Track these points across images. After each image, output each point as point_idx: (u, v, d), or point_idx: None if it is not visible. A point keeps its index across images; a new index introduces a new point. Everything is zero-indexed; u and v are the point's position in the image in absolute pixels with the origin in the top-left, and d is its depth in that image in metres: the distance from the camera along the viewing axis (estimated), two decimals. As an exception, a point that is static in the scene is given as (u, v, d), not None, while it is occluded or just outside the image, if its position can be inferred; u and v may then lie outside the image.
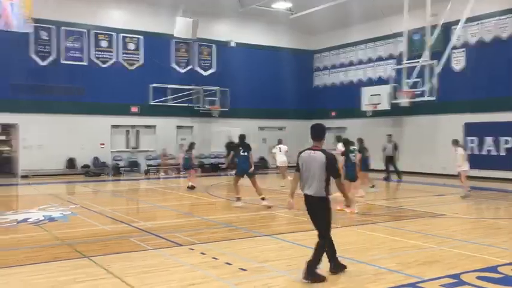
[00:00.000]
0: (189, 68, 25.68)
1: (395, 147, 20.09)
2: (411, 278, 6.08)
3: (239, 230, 9.40)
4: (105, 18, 23.39)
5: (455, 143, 14.52)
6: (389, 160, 20.08)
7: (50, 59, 22.01)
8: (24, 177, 21.00)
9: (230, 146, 13.38)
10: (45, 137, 21.49)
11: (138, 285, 5.77)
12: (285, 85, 27.56)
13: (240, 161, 12.66)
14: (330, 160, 6.07)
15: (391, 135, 20.61)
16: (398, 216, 11.13)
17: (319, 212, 6.18)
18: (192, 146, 17.35)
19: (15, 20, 18.50)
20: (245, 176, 12.58)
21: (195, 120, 25.55)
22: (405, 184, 18.59)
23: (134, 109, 23.92)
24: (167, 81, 24.56)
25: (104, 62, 23.35)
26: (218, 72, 26.23)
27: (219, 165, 25.05)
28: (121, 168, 23.32)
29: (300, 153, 6.29)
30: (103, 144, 23.19)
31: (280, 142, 18.44)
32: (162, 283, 5.93)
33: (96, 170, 22.55)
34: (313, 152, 6.13)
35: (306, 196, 6.19)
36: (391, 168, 20.01)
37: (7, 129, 22.64)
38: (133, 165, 23.57)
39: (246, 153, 12.51)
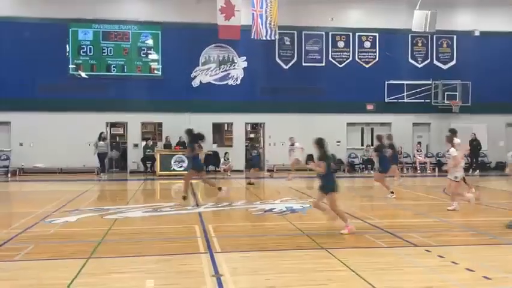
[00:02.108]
0: (426, 62, 24.64)
1: None
2: None
3: (483, 235, 8.66)
4: (343, 19, 24.10)
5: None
6: None
7: (292, 62, 23.77)
8: (270, 171, 23.13)
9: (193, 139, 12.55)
10: (286, 135, 23.26)
11: (374, 281, 5.84)
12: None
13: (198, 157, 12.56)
14: None
15: None
16: None
17: None
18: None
19: (264, 29, 20.56)
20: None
21: (433, 117, 24.38)
22: None
23: (370, 107, 24.08)
24: (403, 77, 24.04)
25: (340, 62, 24.13)
26: (459, 64, 24.51)
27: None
28: (356, 166, 23.77)
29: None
30: (339, 141, 23.98)
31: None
32: (397, 281, 5.89)
33: (332, 167, 23.40)
34: None
35: None
36: None
37: (256, 127, 25.31)
38: (368, 163, 23.74)
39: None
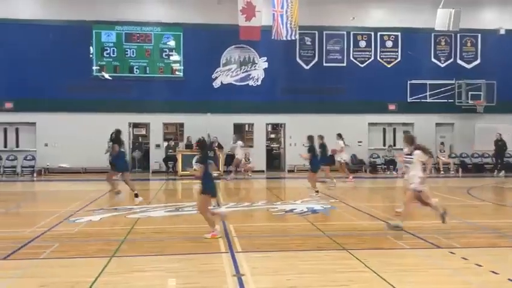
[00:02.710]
0: (449, 61, 24.31)
1: None
2: None
3: (507, 237, 8.52)
4: (364, 19, 23.93)
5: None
6: None
7: (313, 62, 23.71)
8: (290, 171, 23.12)
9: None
10: (307, 135, 23.18)
11: (396, 283, 5.80)
12: None
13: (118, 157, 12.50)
14: None
15: None
16: None
17: None
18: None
19: (284, 30, 20.53)
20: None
21: (456, 117, 24.02)
22: None
23: (392, 107, 23.88)
24: (426, 77, 23.76)
25: (362, 62, 23.97)
26: (483, 63, 24.10)
27: (484, 166, 23.12)
28: (378, 166, 23.58)
29: None
30: (360, 141, 23.83)
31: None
32: (420, 284, 5.84)
33: (354, 167, 23.32)
34: None
35: None
36: None
37: (276, 128, 25.31)
38: (390, 163, 23.52)
39: (122, 150, 12.78)
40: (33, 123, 22.41)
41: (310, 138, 14.62)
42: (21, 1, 22.46)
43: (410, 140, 9.45)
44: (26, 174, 21.86)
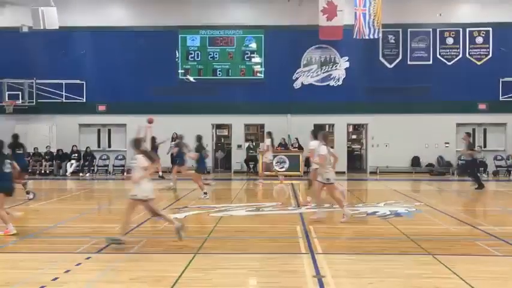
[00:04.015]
0: (548, 56, 22.58)
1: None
2: None
3: None
4: (452, 14, 22.89)
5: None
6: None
7: (397, 61, 23.02)
8: (373, 173, 22.60)
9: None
10: (392, 136, 22.58)
11: (486, 291, 5.51)
12: None
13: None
14: None
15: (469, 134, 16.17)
16: None
17: None
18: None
19: (367, 28, 20.12)
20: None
21: (558, 116, 22.26)
22: None
23: (482, 106, 22.60)
24: (521, 74, 22.24)
25: (449, 60, 22.92)
26: None
27: None
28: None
29: None
30: (447, 143, 22.80)
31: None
32: (513, 293, 5.50)
33: (440, 169, 22.37)
34: None
35: None
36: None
37: (358, 128, 24.87)
38: (481, 166, 22.22)
39: (21, 151, 13.08)
40: (124, 125, 23.69)
41: (199, 137, 14.09)
42: (114, 10, 23.83)
43: (326, 137, 10.51)
44: (117, 173, 23.16)
